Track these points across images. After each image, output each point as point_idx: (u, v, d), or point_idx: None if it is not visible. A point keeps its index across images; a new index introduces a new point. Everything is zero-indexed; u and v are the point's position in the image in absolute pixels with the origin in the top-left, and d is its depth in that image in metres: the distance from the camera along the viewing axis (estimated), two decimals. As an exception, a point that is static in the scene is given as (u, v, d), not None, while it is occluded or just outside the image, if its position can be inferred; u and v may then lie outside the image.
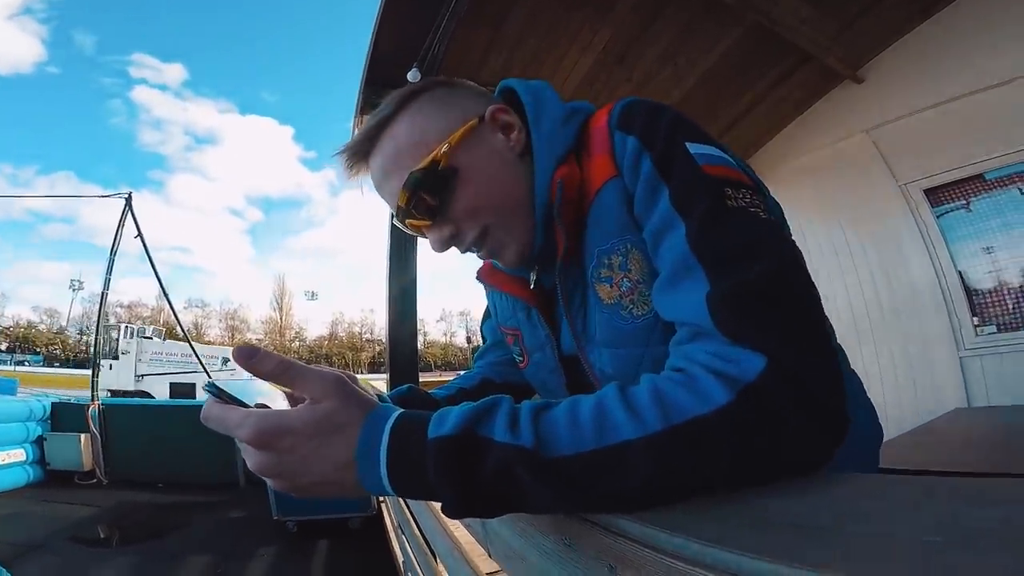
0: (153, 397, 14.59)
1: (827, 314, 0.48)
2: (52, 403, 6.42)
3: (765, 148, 4.32)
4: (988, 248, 3.15)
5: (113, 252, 8.05)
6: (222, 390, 0.42)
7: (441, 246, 0.64)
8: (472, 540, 0.86)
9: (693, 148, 0.51)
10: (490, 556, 0.68)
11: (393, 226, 3.12)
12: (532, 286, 0.70)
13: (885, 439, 0.74)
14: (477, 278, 0.82)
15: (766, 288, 0.42)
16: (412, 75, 2.81)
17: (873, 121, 3.62)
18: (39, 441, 6.02)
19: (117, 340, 18.66)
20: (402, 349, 3.26)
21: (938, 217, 3.34)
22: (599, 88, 3.48)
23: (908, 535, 0.26)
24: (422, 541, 1.74)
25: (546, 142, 0.61)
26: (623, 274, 0.56)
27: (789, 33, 3.22)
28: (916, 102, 3.40)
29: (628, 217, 0.55)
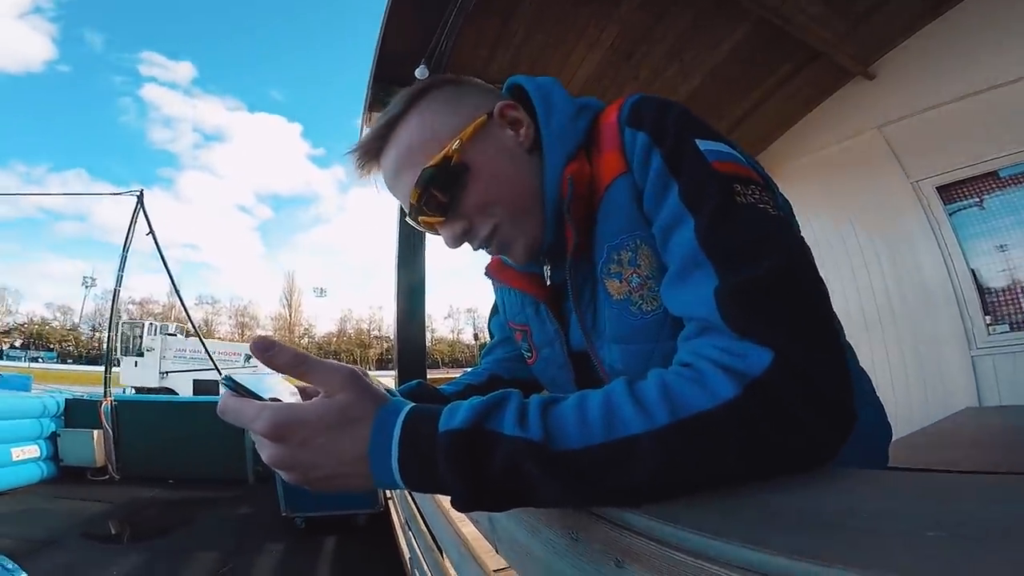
0: (177, 394, 14.62)
1: (837, 312, 0.48)
2: (66, 399, 6.45)
3: (775, 145, 4.28)
4: (1002, 246, 3.11)
5: (126, 249, 8.13)
6: (239, 384, 0.43)
7: (454, 242, 0.64)
8: (479, 536, 0.86)
9: (703, 144, 0.51)
10: (497, 552, 0.68)
11: (402, 223, 3.14)
12: (548, 282, 0.70)
13: (894, 438, 0.74)
14: (486, 274, 0.82)
15: (774, 284, 0.43)
16: (420, 72, 2.81)
17: (885, 118, 3.58)
18: (53, 437, 6.07)
19: (141, 337, 18.68)
20: (410, 346, 3.26)
21: (950, 215, 3.30)
22: (607, 85, 3.46)
23: (911, 529, 0.26)
24: (429, 537, 1.75)
25: (556, 138, 0.61)
26: (632, 269, 0.56)
27: (798, 30, 3.20)
28: (929, 99, 3.35)
29: (638, 213, 0.55)
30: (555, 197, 0.60)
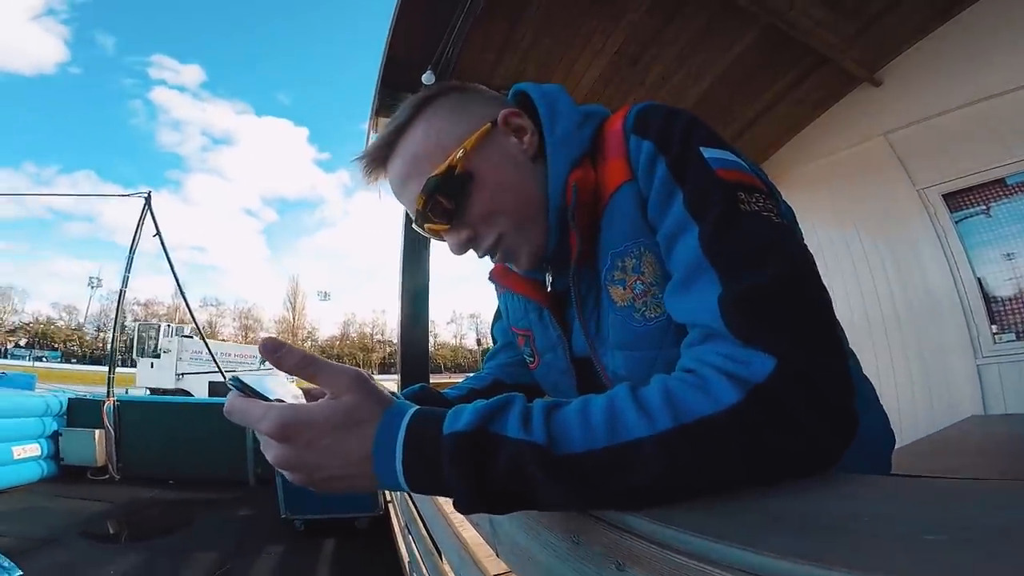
0: (192, 395, 14.63)
1: (841, 319, 0.48)
2: (68, 399, 6.47)
3: (781, 151, 4.27)
4: (1009, 254, 3.08)
5: (132, 251, 8.17)
6: (246, 385, 0.43)
7: (459, 249, 0.65)
8: (479, 540, 0.86)
9: (707, 152, 0.51)
10: (497, 555, 0.68)
11: (407, 228, 3.15)
12: (549, 288, 0.70)
13: (898, 445, 0.73)
14: (489, 279, 0.83)
15: (778, 291, 0.43)
16: (427, 77, 2.82)
17: (891, 124, 3.57)
18: (54, 436, 6.09)
19: (156, 339, 18.74)
20: (414, 350, 3.25)
21: (957, 222, 3.27)
22: (612, 91, 3.47)
23: (913, 533, 0.26)
24: (429, 541, 1.74)
25: (561, 145, 0.61)
26: (636, 276, 0.56)
27: (804, 36, 3.20)
28: (935, 105, 3.34)
29: (642, 220, 0.55)
30: (559, 204, 0.60)
